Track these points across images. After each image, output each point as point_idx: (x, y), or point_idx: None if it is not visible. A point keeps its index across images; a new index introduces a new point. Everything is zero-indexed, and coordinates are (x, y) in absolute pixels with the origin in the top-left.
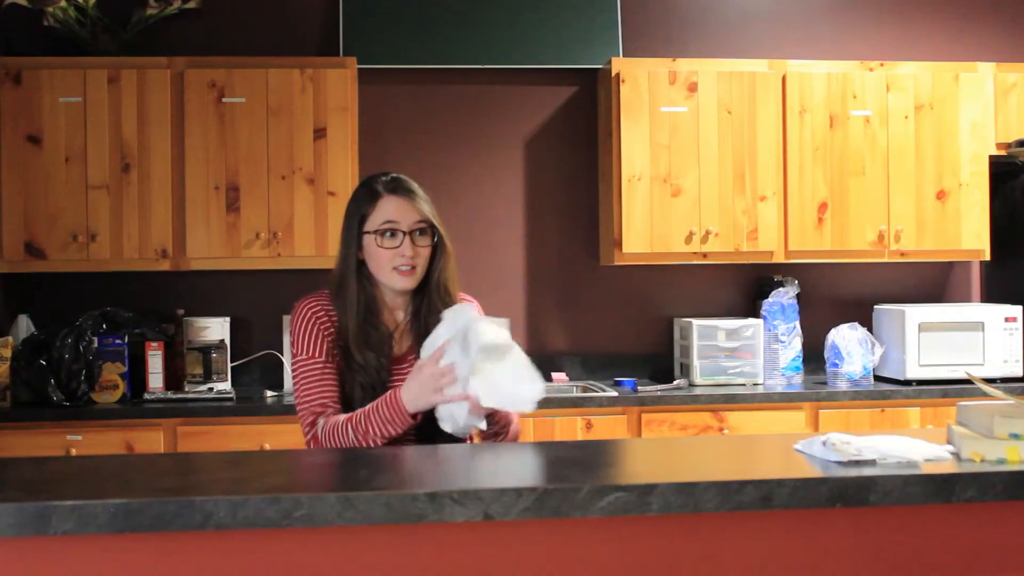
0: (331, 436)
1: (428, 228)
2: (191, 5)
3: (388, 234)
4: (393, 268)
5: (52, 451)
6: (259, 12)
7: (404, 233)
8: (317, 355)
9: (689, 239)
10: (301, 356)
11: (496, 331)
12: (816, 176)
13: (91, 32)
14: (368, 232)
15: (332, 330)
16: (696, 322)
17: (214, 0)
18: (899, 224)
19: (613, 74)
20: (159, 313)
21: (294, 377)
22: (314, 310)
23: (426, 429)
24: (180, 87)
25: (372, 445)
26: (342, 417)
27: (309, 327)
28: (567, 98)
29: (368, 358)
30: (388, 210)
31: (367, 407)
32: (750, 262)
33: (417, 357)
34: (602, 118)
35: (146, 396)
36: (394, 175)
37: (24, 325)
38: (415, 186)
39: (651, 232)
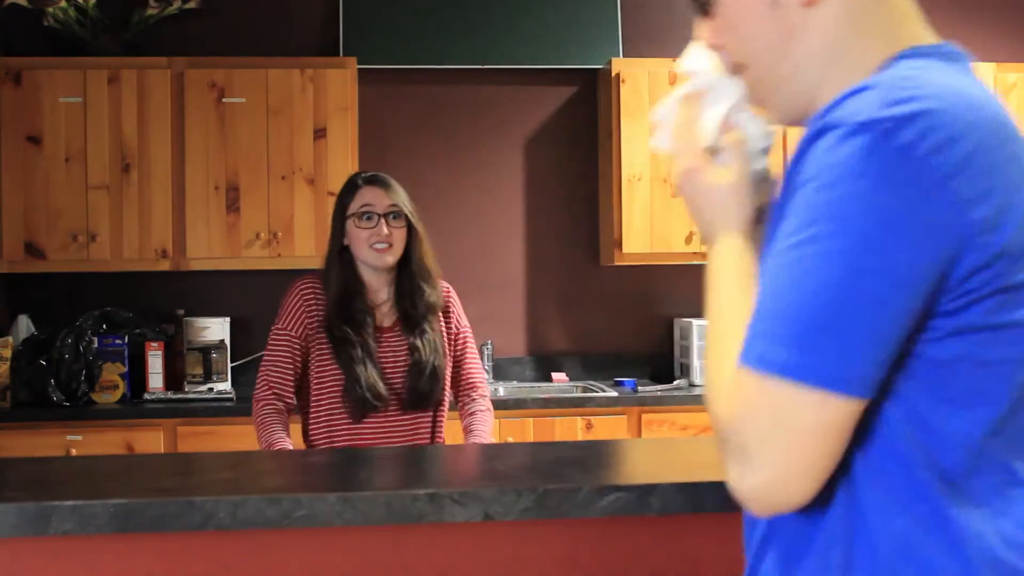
0: (258, 423)
1: (401, 213)
2: (191, 5)
3: (365, 216)
4: (370, 246)
5: (52, 451)
6: (259, 12)
7: (379, 216)
8: (291, 330)
9: (689, 239)
10: (279, 326)
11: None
12: None
13: (91, 32)
14: (349, 216)
15: (316, 313)
16: (696, 322)
17: (214, 0)
18: None
19: (613, 74)
20: (159, 313)
21: (268, 344)
22: (304, 291)
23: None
24: (180, 87)
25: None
26: (268, 422)
27: (296, 304)
28: (567, 98)
29: (345, 332)
30: (365, 197)
31: (271, 437)
32: None
33: (400, 333)
34: (602, 118)
35: (146, 396)
36: (372, 172)
37: (24, 325)
38: (391, 179)
39: (651, 232)
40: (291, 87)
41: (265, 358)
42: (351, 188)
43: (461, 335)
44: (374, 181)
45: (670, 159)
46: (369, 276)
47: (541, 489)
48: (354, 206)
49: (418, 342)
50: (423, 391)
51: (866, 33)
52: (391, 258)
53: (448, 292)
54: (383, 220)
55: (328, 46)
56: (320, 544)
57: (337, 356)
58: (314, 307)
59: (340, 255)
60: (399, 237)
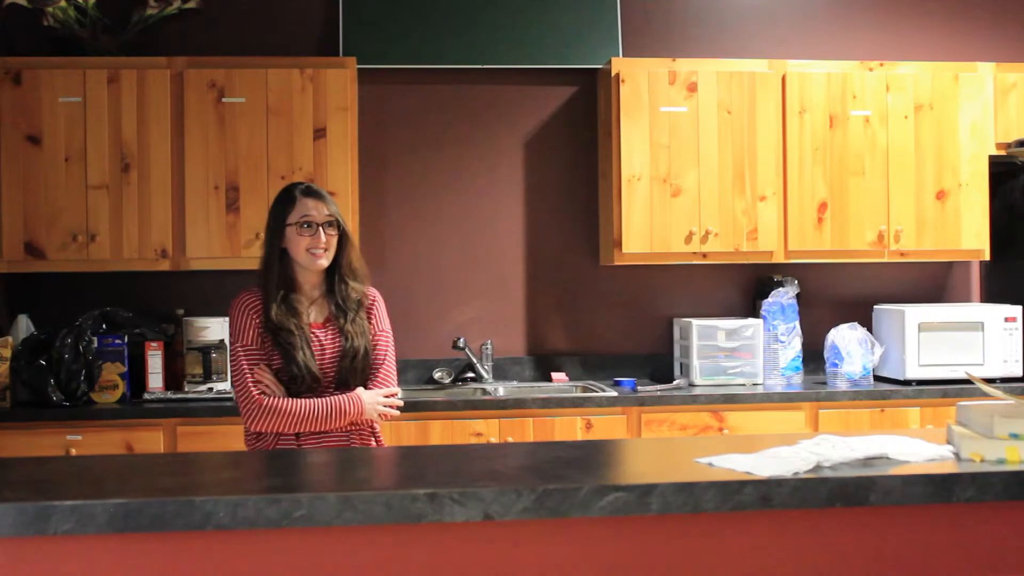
0: (276, 412)
1: (335, 222)
2: (191, 5)
3: (305, 225)
4: (307, 250)
5: (52, 451)
6: (259, 12)
7: (317, 225)
8: (249, 343)
9: (689, 239)
10: (237, 344)
11: None
12: (816, 176)
13: (91, 32)
14: (289, 225)
15: (259, 320)
16: (696, 322)
17: (214, 0)
18: (899, 224)
19: (613, 74)
20: (159, 313)
21: (232, 358)
22: (247, 304)
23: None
24: (180, 87)
25: (310, 426)
26: (296, 402)
27: (242, 319)
28: (567, 98)
29: (288, 323)
30: (305, 208)
31: (323, 400)
32: (750, 262)
33: (333, 325)
34: (602, 118)
35: (146, 396)
36: (308, 184)
37: (24, 325)
38: (324, 191)
39: (651, 232)
40: (291, 87)
41: (239, 371)
42: (290, 199)
43: (378, 335)
44: (311, 193)
45: None
46: (303, 276)
47: (541, 489)
48: (294, 216)
49: (348, 327)
50: (355, 368)
51: None
52: (325, 262)
53: (374, 297)
54: (320, 229)
55: (328, 46)
56: (320, 544)
57: (276, 343)
58: (256, 318)
59: (280, 257)
60: (333, 243)
